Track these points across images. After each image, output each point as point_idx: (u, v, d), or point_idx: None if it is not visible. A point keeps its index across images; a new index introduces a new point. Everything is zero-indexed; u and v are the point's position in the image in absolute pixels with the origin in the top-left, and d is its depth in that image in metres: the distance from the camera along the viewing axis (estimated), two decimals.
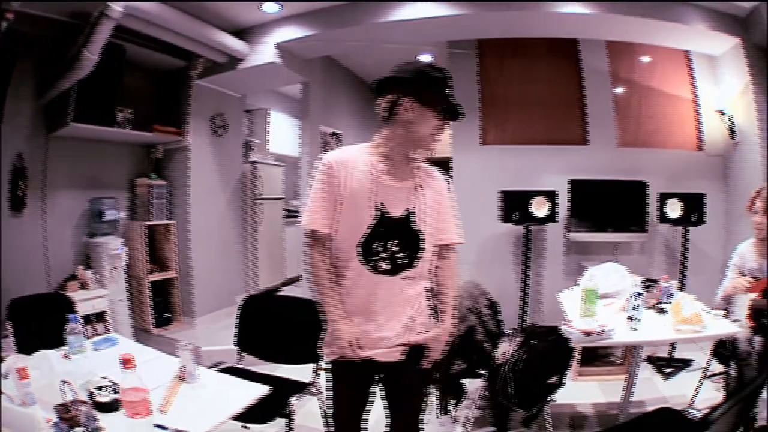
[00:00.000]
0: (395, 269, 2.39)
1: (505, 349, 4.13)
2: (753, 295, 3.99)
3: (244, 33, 6.09)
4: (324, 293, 2.44)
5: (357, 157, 2.43)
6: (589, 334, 3.32)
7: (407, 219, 2.40)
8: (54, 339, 2.86)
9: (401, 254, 2.39)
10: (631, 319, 3.51)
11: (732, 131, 5.93)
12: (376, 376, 2.59)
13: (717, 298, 4.24)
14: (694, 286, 5.02)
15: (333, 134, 7.87)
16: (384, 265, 2.38)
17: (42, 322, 3.32)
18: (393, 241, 2.38)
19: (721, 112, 5.98)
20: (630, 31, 5.74)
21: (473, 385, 4.50)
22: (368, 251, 2.37)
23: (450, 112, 2.39)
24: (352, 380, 2.54)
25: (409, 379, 2.55)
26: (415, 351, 2.47)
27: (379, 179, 2.38)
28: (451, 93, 2.39)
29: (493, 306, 4.56)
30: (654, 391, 5.02)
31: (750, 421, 3.57)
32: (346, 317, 2.43)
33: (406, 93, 2.29)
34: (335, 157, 2.43)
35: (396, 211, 2.39)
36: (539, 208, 5.61)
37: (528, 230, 5.76)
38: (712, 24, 5.44)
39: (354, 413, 2.62)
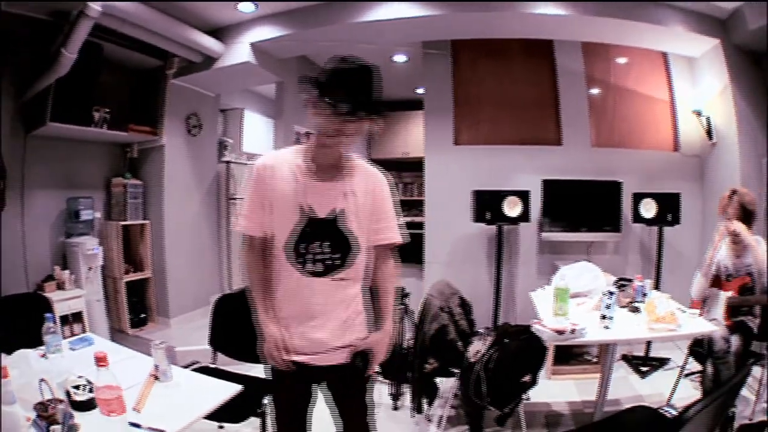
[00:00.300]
0: (326, 270, 2.38)
1: (477, 347, 4.14)
2: (730, 293, 4.17)
3: (219, 32, 6.14)
4: (254, 295, 2.49)
5: (285, 160, 2.42)
6: (560, 332, 3.39)
7: (334, 219, 2.38)
8: (32, 339, 2.88)
9: (331, 255, 2.38)
10: (603, 317, 3.57)
11: (709, 132, 6.03)
12: (319, 379, 2.59)
13: (697, 279, 4.41)
14: (670, 285, 5.14)
15: (307, 134, 7.80)
16: (313, 267, 2.37)
17: (21, 323, 3.31)
18: (321, 242, 2.37)
19: (698, 113, 6.08)
20: (606, 32, 5.83)
21: (447, 384, 4.54)
22: (297, 253, 2.36)
23: (348, 107, 2.21)
24: (293, 383, 2.53)
25: (352, 382, 2.56)
26: (359, 356, 2.46)
27: (304, 181, 2.36)
28: (362, 86, 2.27)
29: (465, 305, 4.60)
30: (630, 389, 5.11)
31: (728, 421, 3.66)
32: (273, 320, 2.45)
33: (309, 90, 2.27)
34: (264, 162, 2.45)
35: (323, 212, 2.37)
36: (512, 207, 5.66)
37: (500, 230, 5.82)
38: (691, 26, 5.55)
39: (296, 415, 2.64)
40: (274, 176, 2.38)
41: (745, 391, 4.51)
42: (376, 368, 2.56)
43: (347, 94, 2.21)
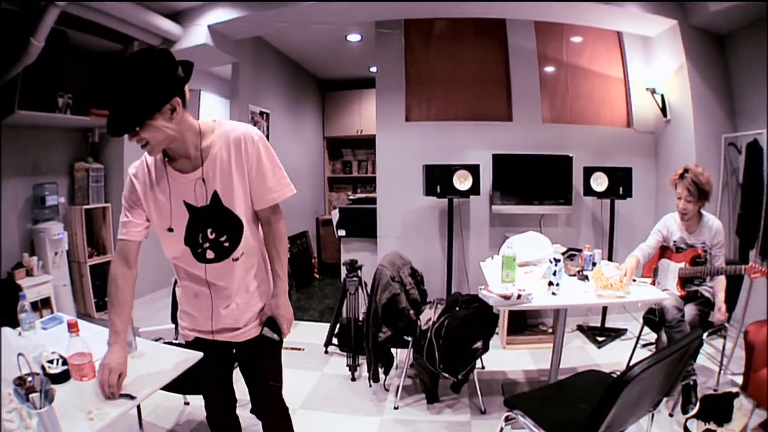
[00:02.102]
0: (222, 254, 2.43)
1: (428, 315, 4.41)
2: (681, 264, 4.41)
3: (178, 16, 6.29)
4: (111, 311, 2.49)
5: (152, 161, 2.42)
6: (506, 297, 3.55)
7: (214, 203, 2.37)
8: (8, 323, 3.10)
9: (222, 238, 2.41)
10: (550, 284, 3.80)
11: (664, 109, 6.33)
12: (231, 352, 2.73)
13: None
14: (622, 257, 5.33)
15: (262, 113, 8.08)
16: (210, 254, 2.42)
17: None
18: (209, 229, 2.40)
19: (653, 91, 6.37)
20: (561, 12, 6.02)
21: (403, 355, 4.75)
22: (193, 245, 2.43)
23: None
24: (209, 358, 2.66)
25: (262, 349, 2.65)
26: (267, 325, 2.53)
27: (173, 177, 2.37)
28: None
29: (416, 275, 4.90)
30: (588, 359, 5.40)
31: (690, 388, 4.01)
32: (120, 342, 2.42)
33: None
34: (136, 168, 2.45)
35: (200, 201, 2.36)
36: (462, 181, 5.87)
37: (451, 203, 6.06)
38: (647, 7, 5.74)
39: (213, 381, 2.82)
40: (146, 180, 2.42)
41: (708, 363, 4.90)
42: (287, 331, 2.60)
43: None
